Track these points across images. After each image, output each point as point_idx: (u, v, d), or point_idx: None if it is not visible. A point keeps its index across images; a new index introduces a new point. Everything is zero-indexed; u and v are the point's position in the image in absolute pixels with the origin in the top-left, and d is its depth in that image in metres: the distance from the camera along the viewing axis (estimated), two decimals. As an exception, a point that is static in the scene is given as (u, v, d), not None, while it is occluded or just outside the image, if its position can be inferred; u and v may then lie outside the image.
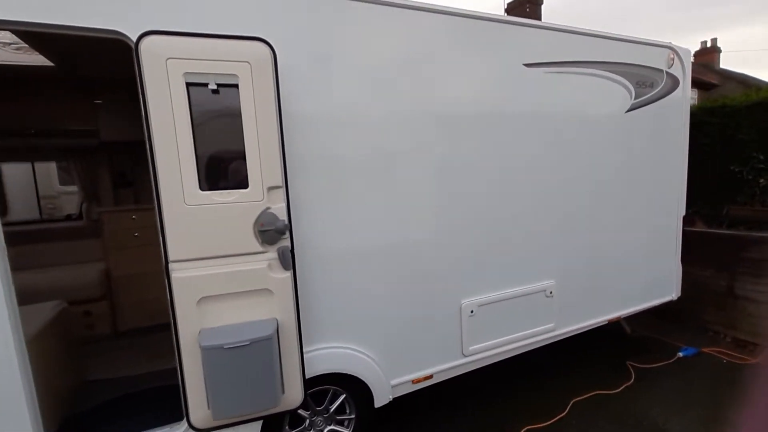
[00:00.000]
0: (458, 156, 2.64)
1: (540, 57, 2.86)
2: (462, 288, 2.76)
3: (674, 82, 3.58)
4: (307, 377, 2.19)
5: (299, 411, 2.35)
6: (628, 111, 3.34)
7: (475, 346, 2.84)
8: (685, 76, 3.62)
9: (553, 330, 3.18)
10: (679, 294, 3.94)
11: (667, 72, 3.50)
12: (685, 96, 3.67)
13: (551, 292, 3.12)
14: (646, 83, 3.39)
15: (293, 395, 2.12)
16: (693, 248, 4.25)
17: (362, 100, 2.31)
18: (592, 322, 3.42)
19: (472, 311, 2.78)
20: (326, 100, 2.20)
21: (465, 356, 2.81)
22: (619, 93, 3.27)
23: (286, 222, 2.03)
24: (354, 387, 2.48)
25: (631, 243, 3.53)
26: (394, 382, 2.57)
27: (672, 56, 3.50)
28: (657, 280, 3.77)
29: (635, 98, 3.35)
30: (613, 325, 4.01)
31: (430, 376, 2.71)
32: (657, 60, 3.43)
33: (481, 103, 2.70)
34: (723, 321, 4.30)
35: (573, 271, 3.24)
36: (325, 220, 2.27)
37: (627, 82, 3.29)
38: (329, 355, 2.34)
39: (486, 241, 2.81)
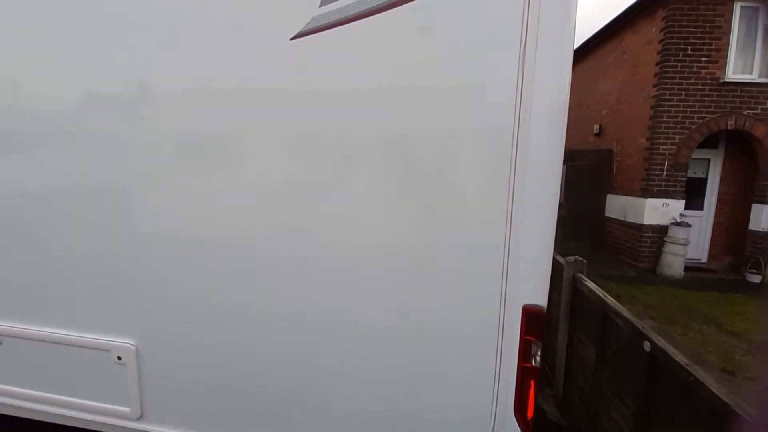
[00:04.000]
0: None
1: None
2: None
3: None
4: None
5: None
6: (299, 36, 1.46)
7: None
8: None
9: (132, 418, 1.90)
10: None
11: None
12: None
13: (121, 359, 1.84)
14: (365, -38, 1.38)
15: None
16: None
17: None
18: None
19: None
20: None
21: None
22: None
23: None
24: None
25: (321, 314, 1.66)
26: None
27: None
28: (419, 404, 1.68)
29: (326, 2, 1.43)
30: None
31: None
32: None
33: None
34: None
35: (181, 334, 1.80)
36: None
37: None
38: None
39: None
